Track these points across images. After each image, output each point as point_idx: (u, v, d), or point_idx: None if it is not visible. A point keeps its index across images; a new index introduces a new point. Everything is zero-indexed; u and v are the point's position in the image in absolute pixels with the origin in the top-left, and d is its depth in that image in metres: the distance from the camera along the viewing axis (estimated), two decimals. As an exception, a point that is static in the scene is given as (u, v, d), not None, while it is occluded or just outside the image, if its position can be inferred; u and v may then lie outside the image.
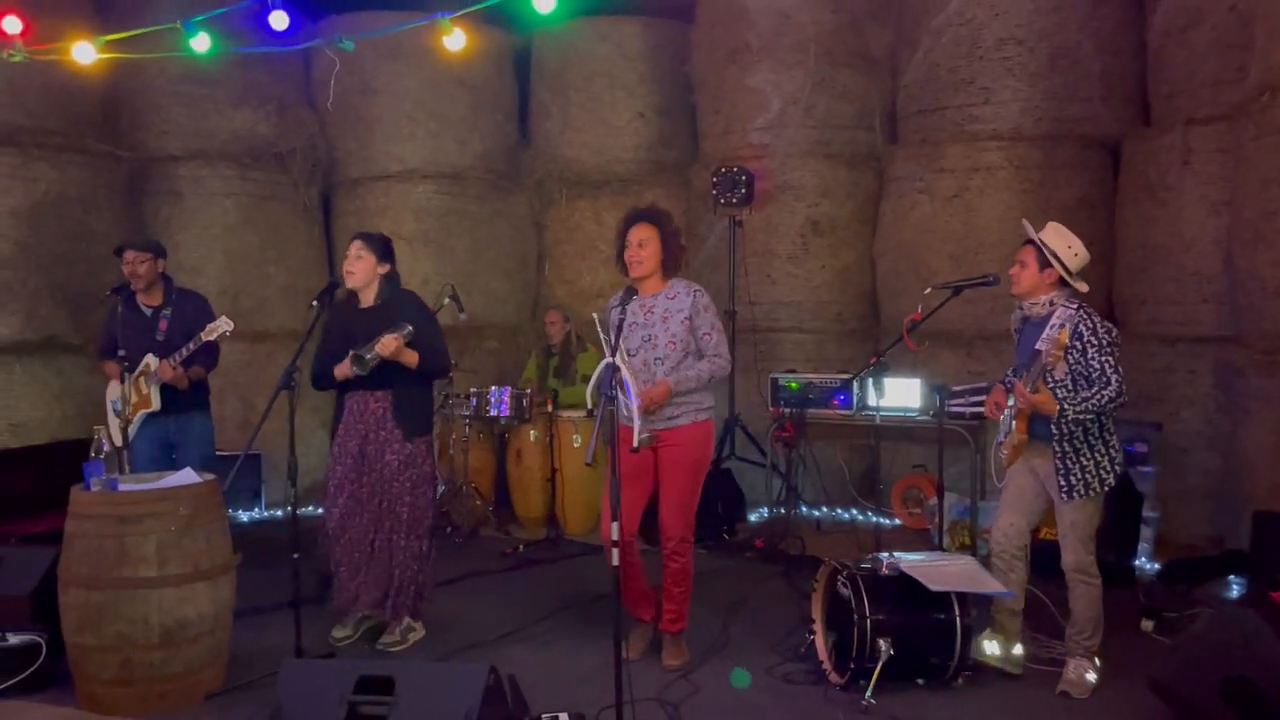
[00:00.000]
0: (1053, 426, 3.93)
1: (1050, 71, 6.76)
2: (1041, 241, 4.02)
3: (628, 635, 4.26)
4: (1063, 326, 3.84)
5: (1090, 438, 3.95)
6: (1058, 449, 3.95)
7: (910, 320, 4.57)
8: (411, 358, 4.45)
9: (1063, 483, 3.95)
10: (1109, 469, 3.97)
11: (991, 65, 6.83)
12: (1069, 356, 3.90)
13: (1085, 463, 3.95)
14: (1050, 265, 3.99)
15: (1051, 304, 4.01)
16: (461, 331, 7.65)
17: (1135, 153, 6.64)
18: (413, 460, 4.54)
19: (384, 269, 4.59)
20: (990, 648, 4.24)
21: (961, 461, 6.21)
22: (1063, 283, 4.02)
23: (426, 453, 4.63)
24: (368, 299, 4.60)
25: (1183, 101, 6.37)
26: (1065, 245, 4.01)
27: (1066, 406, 3.83)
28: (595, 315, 4.31)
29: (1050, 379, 3.93)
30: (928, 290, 4.63)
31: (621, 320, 3.99)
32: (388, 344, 4.34)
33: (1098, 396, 3.83)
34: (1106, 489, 3.98)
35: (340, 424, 4.61)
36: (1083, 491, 3.94)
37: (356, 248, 4.56)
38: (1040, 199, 6.66)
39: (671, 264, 4.33)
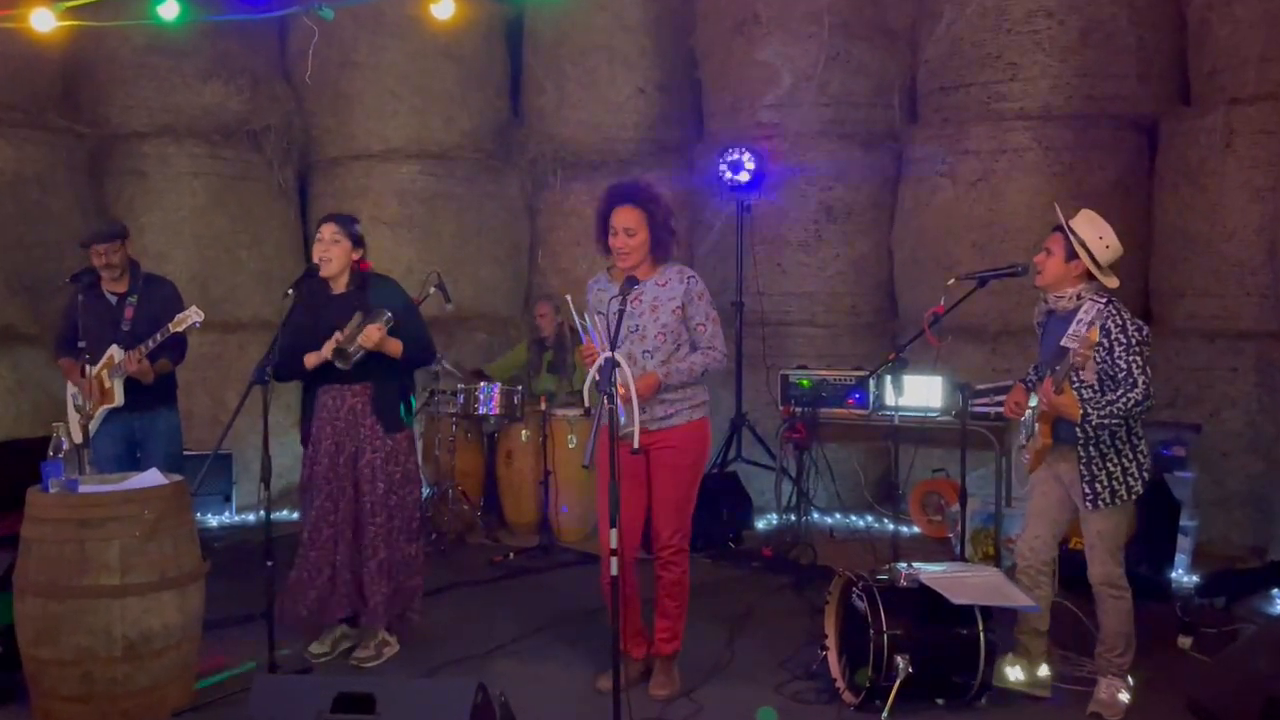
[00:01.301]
0: (1077, 430, 3.92)
1: (1083, 46, 6.74)
2: (1071, 229, 4.00)
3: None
4: (1092, 324, 3.82)
5: (1118, 442, 3.94)
6: (1083, 454, 3.94)
7: (933, 313, 4.56)
8: (395, 347, 4.44)
9: (1087, 490, 3.95)
10: (1137, 476, 3.96)
11: (1019, 39, 6.81)
12: (1095, 354, 3.88)
13: (1112, 469, 3.94)
14: (1077, 256, 3.96)
15: (1079, 297, 3.99)
16: (448, 323, 7.64)
17: (1174, 134, 6.63)
18: (394, 456, 4.53)
19: (358, 253, 4.59)
20: (1014, 673, 4.22)
21: (985, 465, 6.21)
22: (1091, 275, 4.00)
23: (409, 448, 4.63)
24: (340, 285, 4.59)
25: (1225, 79, 6.36)
26: (1096, 235, 3.98)
27: (1090, 410, 3.82)
28: (568, 297, 4.23)
29: (1078, 379, 3.91)
30: (951, 281, 4.61)
31: (622, 311, 3.93)
32: (371, 334, 4.32)
33: (1123, 400, 3.81)
34: (1134, 497, 3.97)
35: (314, 421, 4.60)
36: (1108, 500, 3.93)
37: (331, 231, 4.54)
38: (1071, 183, 6.65)
39: (661, 249, 4.16)
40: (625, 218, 4.10)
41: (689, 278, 4.19)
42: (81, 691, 3.83)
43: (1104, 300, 3.94)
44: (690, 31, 8.20)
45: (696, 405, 4.23)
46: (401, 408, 4.65)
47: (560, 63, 8.36)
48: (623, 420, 3.71)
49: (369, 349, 4.35)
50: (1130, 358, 3.84)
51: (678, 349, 4.16)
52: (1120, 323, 3.87)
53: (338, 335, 4.38)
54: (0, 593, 4.09)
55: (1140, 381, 3.82)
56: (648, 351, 4.13)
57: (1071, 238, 3.98)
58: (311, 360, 4.47)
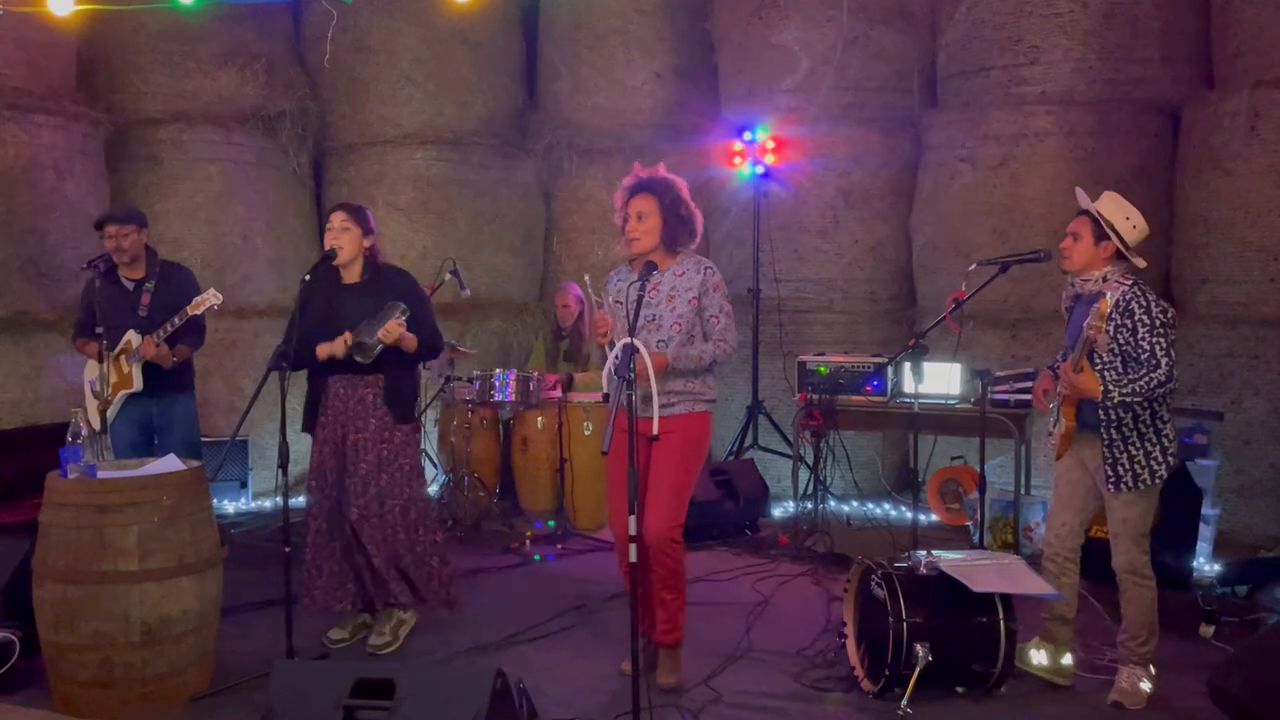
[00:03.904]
0: (1100, 412, 3.91)
1: (1105, 29, 6.69)
2: (1098, 212, 3.98)
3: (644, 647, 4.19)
4: (1103, 296, 3.79)
5: (1141, 425, 3.93)
6: (1105, 436, 3.93)
7: (954, 299, 4.55)
8: (412, 342, 4.47)
9: (1110, 473, 3.94)
10: (1161, 460, 3.94)
11: (1041, 22, 6.76)
12: (1119, 336, 3.87)
13: (1134, 452, 3.92)
14: (1107, 238, 3.95)
15: (1105, 280, 3.98)
16: (463, 310, 7.65)
17: (1197, 118, 6.57)
18: (403, 448, 4.55)
19: (368, 242, 4.60)
20: (1037, 658, 4.22)
21: (1004, 453, 6.18)
22: (1119, 257, 3.99)
23: (414, 439, 4.65)
24: (352, 275, 4.60)
25: (1250, 62, 6.31)
26: (1123, 216, 3.97)
27: (1111, 388, 3.81)
28: (585, 278, 4.25)
29: (1097, 359, 3.90)
30: (972, 267, 4.58)
31: (641, 297, 3.93)
32: (392, 330, 4.34)
33: (1145, 380, 3.80)
34: (1158, 482, 3.95)
35: (324, 409, 4.60)
36: (1131, 484, 3.92)
37: (340, 220, 4.55)
38: (1093, 168, 6.60)
39: (673, 237, 4.17)
40: (638, 204, 4.17)
41: (706, 269, 4.21)
42: (100, 677, 3.86)
43: (1130, 282, 3.93)
44: (707, 15, 8.18)
45: (701, 400, 4.20)
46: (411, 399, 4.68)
47: (576, 47, 8.34)
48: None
49: (389, 344, 4.37)
50: (1154, 339, 3.83)
51: (691, 340, 4.17)
52: (1145, 304, 3.86)
53: (349, 335, 4.39)
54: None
55: (1163, 363, 3.81)
56: (663, 341, 4.13)
57: (1100, 220, 3.96)
58: (323, 352, 4.48)
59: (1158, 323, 3.85)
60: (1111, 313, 3.85)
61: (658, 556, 4.10)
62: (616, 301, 4.18)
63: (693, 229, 4.24)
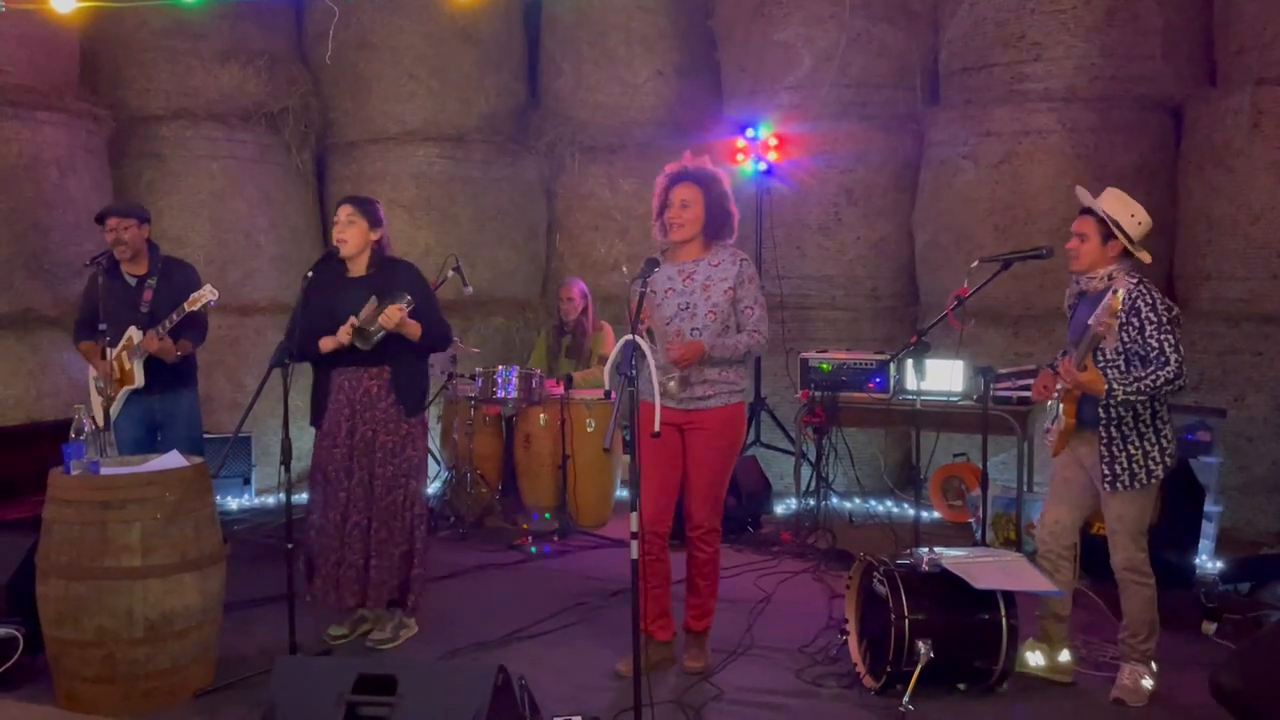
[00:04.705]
0: (1100, 410, 3.90)
1: (1108, 26, 6.67)
2: (1103, 212, 3.97)
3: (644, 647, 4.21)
4: (1114, 292, 3.77)
5: (1140, 424, 3.92)
6: (1104, 434, 3.92)
7: (956, 296, 4.53)
8: (414, 329, 4.45)
9: (1106, 471, 3.93)
10: (1159, 459, 3.93)
11: (1043, 19, 6.74)
12: (1124, 334, 3.86)
13: (1132, 451, 3.92)
14: (1114, 237, 3.94)
15: (1110, 278, 3.97)
16: (466, 307, 7.65)
17: (1200, 115, 6.56)
18: (409, 441, 4.55)
19: (375, 235, 4.59)
20: (1033, 659, 4.21)
21: (1006, 450, 6.18)
22: (1125, 254, 3.97)
23: (421, 434, 4.64)
24: (358, 268, 4.59)
25: (1253, 59, 6.29)
26: (1128, 213, 3.96)
27: (1116, 386, 3.79)
28: (624, 268, 4.28)
29: (1101, 357, 3.89)
30: (975, 264, 4.57)
31: (643, 294, 3.95)
32: (392, 315, 4.33)
33: (1152, 378, 3.79)
34: (1155, 481, 3.95)
35: (329, 403, 4.60)
36: (1128, 482, 3.91)
37: (346, 213, 4.54)
38: (1095, 165, 6.59)
39: (715, 230, 4.27)
40: (683, 192, 4.24)
41: (742, 260, 4.29)
42: (103, 672, 3.87)
43: (1135, 280, 3.92)
44: (709, 13, 8.16)
45: (735, 390, 4.30)
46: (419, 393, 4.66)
47: (578, 44, 8.34)
48: (656, 384, 3.84)
49: (390, 329, 4.36)
50: (1161, 336, 3.82)
51: (725, 330, 4.23)
52: (1151, 301, 3.85)
53: (353, 320, 4.38)
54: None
55: (1172, 359, 3.79)
56: (696, 329, 4.20)
57: (1106, 219, 3.95)
58: (327, 345, 4.47)
59: (1164, 320, 3.84)
60: (1119, 310, 3.84)
61: (698, 545, 4.30)
62: (653, 291, 4.21)
63: (732, 224, 4.34)
